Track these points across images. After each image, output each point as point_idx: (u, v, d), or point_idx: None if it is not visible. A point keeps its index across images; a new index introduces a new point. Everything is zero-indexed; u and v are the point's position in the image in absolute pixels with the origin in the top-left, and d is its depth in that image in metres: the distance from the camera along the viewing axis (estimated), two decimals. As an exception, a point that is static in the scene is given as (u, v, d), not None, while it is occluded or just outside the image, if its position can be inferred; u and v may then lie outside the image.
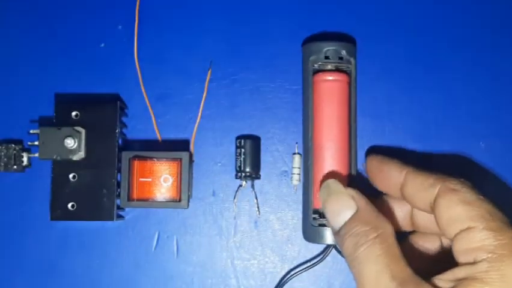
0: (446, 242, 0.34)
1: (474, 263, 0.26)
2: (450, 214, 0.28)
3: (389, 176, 0.33)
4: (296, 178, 0.40)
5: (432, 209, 0.30)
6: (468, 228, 0.27)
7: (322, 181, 0.35)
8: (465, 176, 0.30)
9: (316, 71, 0.39)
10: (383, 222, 0.30)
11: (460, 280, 0.26)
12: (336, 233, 0.31)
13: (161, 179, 0.40)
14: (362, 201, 0.31)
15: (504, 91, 0.42)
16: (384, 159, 0.35)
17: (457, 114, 0.41)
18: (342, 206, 0.31)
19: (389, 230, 0.29)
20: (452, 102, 0.41)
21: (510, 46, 0.42)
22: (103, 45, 0.42)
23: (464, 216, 0.28)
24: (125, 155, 0.39)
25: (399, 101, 0.42)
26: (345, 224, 0.30)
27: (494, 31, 0.42)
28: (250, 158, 0.40)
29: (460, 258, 0.28)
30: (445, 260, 0.30)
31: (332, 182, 0.33)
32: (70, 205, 0.39)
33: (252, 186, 0.41)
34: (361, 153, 0.40)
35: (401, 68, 0.42)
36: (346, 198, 0.31)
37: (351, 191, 0.32)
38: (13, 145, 0.40)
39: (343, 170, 0.37)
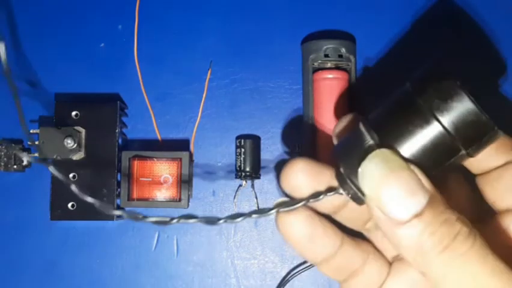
0: None
1: None
2: None
3: None
4: (296, 178, 0.40)
5: (499, 170, 0.26)
6: None
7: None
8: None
9: (316, 70, 0.39)
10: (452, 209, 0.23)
11: None
12: (403, 228, 0.22)
13: (161, 179, 0.40)
14: (426, 178, 0.22)
15: (503, 91, 0.42)
16: None
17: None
18: (414, 188, 0.22)
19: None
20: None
21: (510, 47, 0.42)
22: (102, 45, 0.42)
23: None
24: (125, 155, 0.39)
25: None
26: (425, 211, 0.21)
27: (494, 31, 0.42)
28: (250, 158, 0.40)
29: None
30: None
31: (390, 154, 0.22)
32: (69, 205, 0.39)
33: (252, 186, 0.41)
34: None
35: (401, 68, 0.42)
36: (413, 175, 0.22)
37: (415, 168, 0.22)
38: (13, 145, 0.40)
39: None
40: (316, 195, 0.24)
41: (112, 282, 0.41)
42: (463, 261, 0.21)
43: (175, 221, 0.24)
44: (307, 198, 0.24)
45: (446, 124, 0.22)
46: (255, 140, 0.41)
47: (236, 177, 0.41)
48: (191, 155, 0.41)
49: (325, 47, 0.38)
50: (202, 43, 0.42)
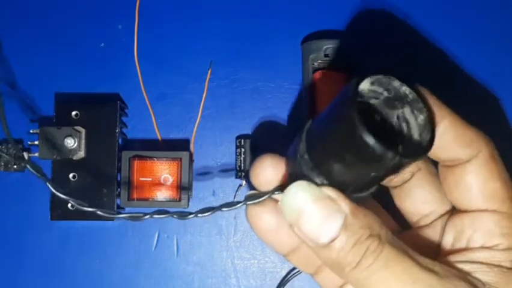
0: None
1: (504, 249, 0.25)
2: (488, 187, 0.26)
3: None
4: (296, 178, 0.40)
5: (459, 168, 0.26)
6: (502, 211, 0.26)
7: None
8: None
9: (316, 70, 0.39)
10: (373, 218, 0.25)
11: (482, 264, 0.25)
12: (323, 249, 0.25)
13: (161, 178, 0.40)
14: (345, 200, 0.25)
15: (504, 91, 0.42)
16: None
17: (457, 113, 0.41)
18: (330, 213, 0.24)
19: (382, 224, 0.25)
20: (453, 102, 0.41)
21: (510, 46, 0.42)
22: (102, 45, 0.42)
23: (501, 194, 0.26)
24: (125, 155, 0.39)
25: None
26: (340, 234, 0.24)
27: (495, 30, 0.42)
28: (250, 158, 0.40)
29: (476, 241, 0.26)
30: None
31: (306, 185, 0.25)
32: (69, 205, 0.39)
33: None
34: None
35: (401, 68, 0.42)
36: (329, 201, 0.24)
37: (328, 191, 0.25)
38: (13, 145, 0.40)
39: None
40: (281, 187, 0.26)
41: (112, 282, 0.41)
42: (369, 273, 0.24)
43: (147, 216, 0.26)
44: (273, 191, 0.26)
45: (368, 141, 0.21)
46: (255, 140, 0.41)
47: (236, 177, 0.41)
48: (191, 155, 0.41)
49: (325, 47, 0.39)
50: (202, 43, 0.42)
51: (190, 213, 0.26)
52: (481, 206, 0.26)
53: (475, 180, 0.26)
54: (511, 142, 0.41)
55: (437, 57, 0.42)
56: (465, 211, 0.27)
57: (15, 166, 0.40)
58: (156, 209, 0.26)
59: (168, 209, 0.26)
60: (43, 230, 0.41)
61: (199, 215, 0.26)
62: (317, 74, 0.39)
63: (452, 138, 0.26)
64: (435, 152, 0.26)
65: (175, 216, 0.26)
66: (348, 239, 0.24)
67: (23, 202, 0.41)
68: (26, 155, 0.40)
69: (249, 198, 0.27)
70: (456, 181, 0.27)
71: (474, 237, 0.26)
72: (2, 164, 0.40)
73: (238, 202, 0.26)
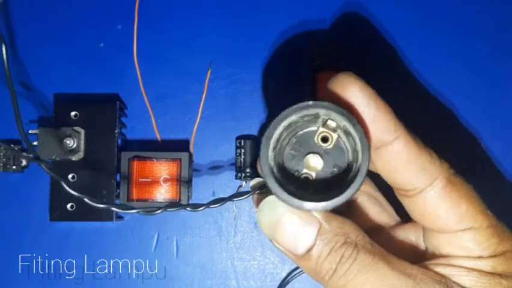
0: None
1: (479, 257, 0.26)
2: (455, 212, 0.25)
3: (378, 128, 0.25)
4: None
5: (419, 198, 0.26)
6: (473, 228, 0.25)
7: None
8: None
9: (317, 70, 0.39)
10: (349, 225, 0.26)
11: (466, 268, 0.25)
12: (302, 259, 0.26)
13: (161, 179, 0.39)
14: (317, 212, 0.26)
15: (504, 92, 0.41)
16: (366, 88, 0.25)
17: (458, 114, 0.41)
18: (304, 224, 0.25)
19: (358, 230, 0.26)
20: (453, 102, 0.41)
21: (509, 45, 0.42)
22: (102, 45, 0.42)
23: (470, 213, 0.25)
24: (125, 155, 0.39)
25: (401, 101, 0.41)
26: (316, 243, 0.25)
27: (495, 30, 0.42)
28: (250, 159, 0.40)
29: (456, 252, 0.26)
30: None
31: (275, 201, 0.25)
32: (69, 206, 0.39)
33: (252, 186, 0.41)
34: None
35: (402, 68, 0.41)
36: (302, 212, 0.25)
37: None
38: (12, 145, 0.40)
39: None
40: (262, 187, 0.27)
41: (112, 282, 0.41)
42: (345, 279, 0.25)
43: (159, 211, 0.27)
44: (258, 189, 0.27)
45: None
46: (255, 140, 0.41)
47: (236, 178, 0.41)
48: (191, 156, 0.41)
49: (325, 47, 0.38)
50: (202, 43, 0.42)
51: (202, 205, 0.26)
52: (454, 228, 0.26)
53: (440, 208, 0.26)
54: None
55: (441, 58, 0.42)
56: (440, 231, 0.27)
57: (14, 167, 0.40)
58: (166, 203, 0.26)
59: (180, 202, 0.27)
60: (43, 230, 0.41)
61: (211, 206, 0.26)
62: (318, 74, 0.38)
63: (405, 163, 0.25)
64: (388, 176, 0.26)
65: (188, 208, 0.26)
66: (323, 247, 0.25)
67: (23, 202, 0.41)
68: (24, 155, 0.40)
69: (255, 188, 0.27)
70: (421, 211, 0.26)
71: (453, 252, 0.26)
72: (1, 164, 0.40)
73: (247, 192, 0.26)
